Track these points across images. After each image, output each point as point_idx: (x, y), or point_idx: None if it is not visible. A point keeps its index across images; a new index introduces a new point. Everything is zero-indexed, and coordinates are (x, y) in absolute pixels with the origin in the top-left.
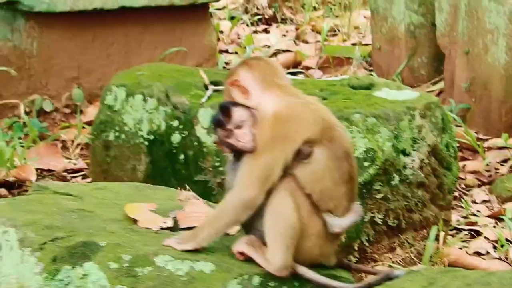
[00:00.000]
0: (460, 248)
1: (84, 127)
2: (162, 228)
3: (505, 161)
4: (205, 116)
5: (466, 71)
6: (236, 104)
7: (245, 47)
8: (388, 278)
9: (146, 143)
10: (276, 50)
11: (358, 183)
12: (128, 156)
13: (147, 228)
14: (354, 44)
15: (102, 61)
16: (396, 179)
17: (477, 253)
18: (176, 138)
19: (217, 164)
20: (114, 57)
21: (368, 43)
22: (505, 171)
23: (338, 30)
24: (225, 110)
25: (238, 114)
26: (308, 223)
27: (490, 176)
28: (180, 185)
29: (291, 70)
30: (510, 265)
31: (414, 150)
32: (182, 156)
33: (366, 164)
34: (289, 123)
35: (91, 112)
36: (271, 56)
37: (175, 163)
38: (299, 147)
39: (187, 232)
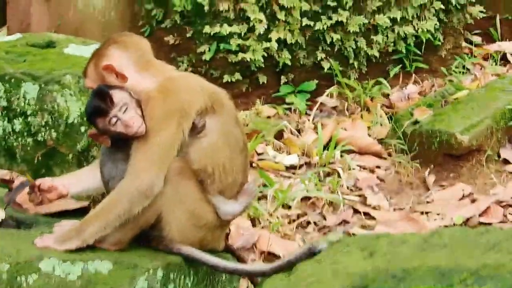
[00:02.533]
0: None
1: None
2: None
3: None
4: None
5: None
6: (111, 87)
7: None
8: (311, 253)
9: None
10: None
11: None
12: None
13: None
14: None
15: None
16: None
17: None
18: None
19: None
20: None
21: None
22: None
23: None
24: (103, 95)
25: (119, 96)
26: (199, 213)
27: None
28: None
29: None
30: None
31: None
32: None
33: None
34: (179, 94)
35: None
36: None
37: None
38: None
39: (65, 228)
